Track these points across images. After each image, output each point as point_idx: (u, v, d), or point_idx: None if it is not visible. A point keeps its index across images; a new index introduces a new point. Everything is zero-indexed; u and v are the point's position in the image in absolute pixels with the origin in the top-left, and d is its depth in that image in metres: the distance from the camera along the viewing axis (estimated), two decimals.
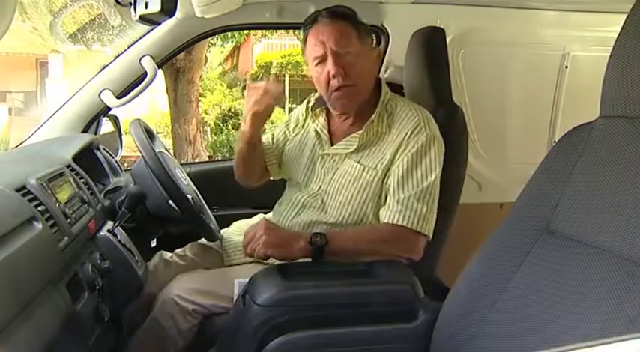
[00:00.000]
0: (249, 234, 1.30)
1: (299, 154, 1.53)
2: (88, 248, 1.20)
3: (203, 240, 1.62)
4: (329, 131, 1.49)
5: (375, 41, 1.46)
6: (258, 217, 1.64)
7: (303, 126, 1.57)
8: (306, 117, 1.56)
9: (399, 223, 1.31)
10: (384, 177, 1.36)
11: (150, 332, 1.36)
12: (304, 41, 1.43)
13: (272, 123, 8.90)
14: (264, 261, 1.33)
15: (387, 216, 1.33)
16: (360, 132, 1.40)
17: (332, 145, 1.47)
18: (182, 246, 1.63)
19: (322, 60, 1.38)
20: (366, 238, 1.33)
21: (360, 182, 1.37)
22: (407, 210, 1.31)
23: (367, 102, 1.42)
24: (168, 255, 1.57)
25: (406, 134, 1.35)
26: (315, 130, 1.50)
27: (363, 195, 1.37)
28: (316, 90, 1.50)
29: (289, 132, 1.61)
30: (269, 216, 1.60)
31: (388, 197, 1.35)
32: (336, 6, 1.42)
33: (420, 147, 1.34)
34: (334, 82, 1.37)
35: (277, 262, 1.31)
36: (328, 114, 1.52)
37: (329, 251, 1.27)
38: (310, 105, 1.54)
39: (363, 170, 1.38)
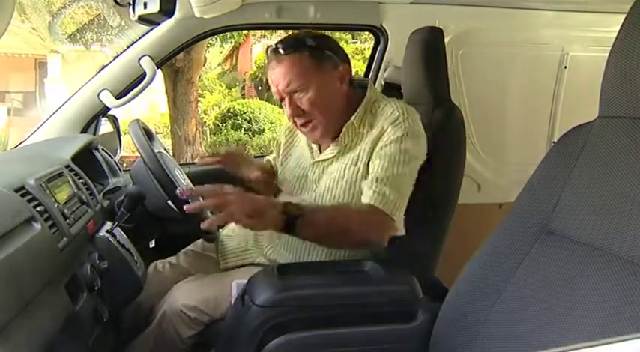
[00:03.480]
0: (217, 190, 1.14)
1: (292, 166, 1.55)
2: (86, 248, 1.20)
3: (196, 246, 1.62)
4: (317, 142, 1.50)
5: (337, 56, 1.40)
6: None
7: (294, 140, 1.59)
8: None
9: (372, 203, 1.28)
10: (366, 173, 1.35)
11: (151, 340, 1.36)
12: None
13: (271, 123, 8.93)
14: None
15: (363, 197, 1.31)
16: (341, 135, 1.41)
17: (320, 153, 1.48)
18: (181, 247, 1.63)
19: (281, 99, 1.40)
20: (337, 214, 1.28)
21: (343, 181, 1.37)
22: (377, 194, 1.28)
23: (341, 119, 1.40)
24: (161, 264, 1.56)
25: (384, 127, 1.34)
26: (307, 144, 1.51)
27: (349, 193, 1.37)
28: None
29: (282, 148, 1.63)
30: None
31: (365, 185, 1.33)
32: (288, 37, 1.40)
33: (396, 139, 1.32)
34: (296, 120, 1.40)
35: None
36: None
37: (302, 222, 1.19)
38: None
39: (345, 169, 1.38)
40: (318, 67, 1.35)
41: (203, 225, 1.12)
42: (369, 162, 1.35)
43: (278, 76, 1.35)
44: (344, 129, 1.40)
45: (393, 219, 1.29)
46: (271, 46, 1.39)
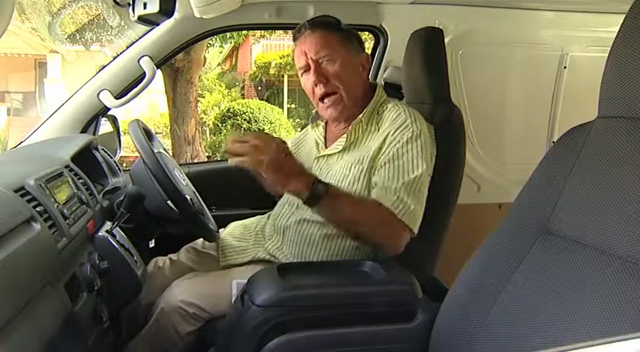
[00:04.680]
0: (259, 140, 1.19)
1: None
2: (86, 248, 1.20)
3: (197, 244, 1.63)
4: (325, 137, 1.54)
5: (361, 47, 1.50)
6: (257, 219, 1.64)
7: (300, 144, 1.65)
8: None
9: (395, 212, 1.29)
10: (370, 171, 1.37)
11: (150, 337, 1.36)
12: (293, 53, 1.48)
13: (271, 123, 8.93)
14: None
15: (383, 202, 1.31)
16: (348, 130, 1.43)
17: (326, 149, 1.51)
18: (180, 247, 1.63)
19: (306, 70, 1.42)
20: (361, 210, 1.29)
21: (348, 179, 1.38)
22: (394, 197, 1.29)
23: (357, 106, 1.45)
24: (161, 260, 1.58)
25: (391, 130, 1.37)
26: (315, 139, 1.55)
27: (352, 191, 1.37)
28: None
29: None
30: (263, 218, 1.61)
31: (375, 187, 1.34)
32: (320, 16, 1.48)
33: (406, 141, 1.34)
34: (317, 90, 1.42)
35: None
36: (327, 122, 1.56)
37: (323, 203, 1.23)
38: (311, 118, 1.61)
39: (350, 167, 1.40)
40: (346, 47, 1.44)
41: (230, 162, 1.17)
42: (373, 162, 1.36)
43: (309, 44, 1.41)
44: (351, 126, 1.43)
45: (410, 230, 1.31)
46: (304, 23, 1.46)
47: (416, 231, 1.32)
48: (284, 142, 1.24)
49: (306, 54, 1.41)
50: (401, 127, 1.36)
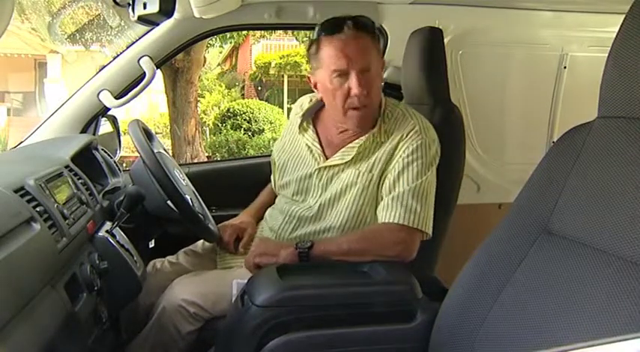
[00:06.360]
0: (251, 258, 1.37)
1: (292, 170, 1.50)
2: (86, 248, 1.20)
3: (196, 246, 1.62)
4: (320, 143, 1.47)
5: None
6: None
7: (288, 144, 1.55)
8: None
9: (389, 220, 1.31)
10: (380, 181, 1.37)
11: (151, 336, 1.36)
12: (318, 45, 1.36)
13: (271, 123, 8.93)
14: None
15: (380, 216, 1.34)
16: (357, 141, 1.40)
17: (327, 158, 1.44)
18: (180, 247, 1.63)
19: (344, 74, 1.33)
20: (348, 238, 1.33)
21: (356, 187, 1.37)
22: (399, 207, 1.31)
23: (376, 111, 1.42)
24: (159, 262, 1.57)
25: (401, 138, 1.36)
26: (307, 145, 1.48)
27: (360, 199, 1.37)
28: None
29: (277, 163, 1.58)
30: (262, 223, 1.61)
31: (383, 197, 1.35)
32: (360, 17, 1.37)
33: (415, 149, 1.34)
34: (354, 101, 1.34)
35: None
36: (315, 125, 1.50)
37: (313, 253, 1.29)
38: (298, 123, 1.50)
39: (359, 175, 1.38)
40: (380, 55, 1.41)
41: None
42: (384, 171, 1.36)
43: (356, 49, 1.32)
44: (365, 137, 1.39)
45: (421, 231, 1.32)
46: (342, 19, 1.35)
47: (430, 232, 1.33)
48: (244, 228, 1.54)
49: (349, 58, 1.31)
50: (410, 135, 1.36)
